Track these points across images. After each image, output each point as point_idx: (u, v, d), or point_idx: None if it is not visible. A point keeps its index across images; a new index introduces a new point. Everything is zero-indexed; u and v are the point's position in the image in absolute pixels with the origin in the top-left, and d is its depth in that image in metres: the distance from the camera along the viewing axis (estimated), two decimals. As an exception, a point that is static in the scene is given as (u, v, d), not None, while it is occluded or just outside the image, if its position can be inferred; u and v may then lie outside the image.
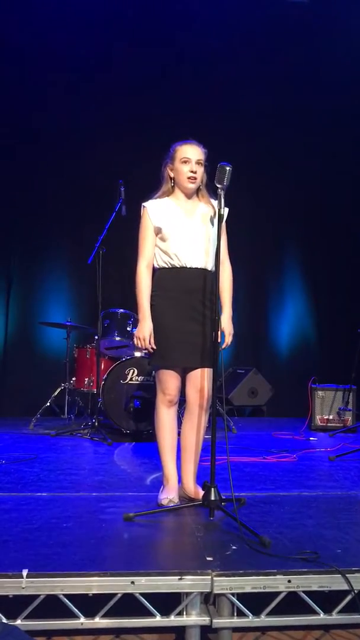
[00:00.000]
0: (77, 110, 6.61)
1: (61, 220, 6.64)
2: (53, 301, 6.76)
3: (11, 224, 6.70)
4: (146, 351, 2.99)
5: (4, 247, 6.75)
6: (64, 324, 5.64)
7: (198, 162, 2.90)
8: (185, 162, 2.89)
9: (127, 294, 6.15)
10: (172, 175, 2.96)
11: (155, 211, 2.92)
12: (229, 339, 2.95)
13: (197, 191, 2.98)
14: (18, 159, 6.61)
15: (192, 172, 2.88)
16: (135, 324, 5.26)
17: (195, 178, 2.90)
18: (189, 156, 2.89)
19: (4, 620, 1.94)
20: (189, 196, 2.97)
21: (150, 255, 2.95)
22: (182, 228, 2.90)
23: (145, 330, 2.87)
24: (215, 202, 2.81)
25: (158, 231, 2.92)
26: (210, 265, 2.93)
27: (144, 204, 2.97)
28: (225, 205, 2.83)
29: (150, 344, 2.87)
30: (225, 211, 2.97)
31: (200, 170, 2.91)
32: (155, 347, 2.88)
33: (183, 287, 2.89)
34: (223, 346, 2.88)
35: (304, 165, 7.02)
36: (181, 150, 2.91)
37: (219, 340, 2.76)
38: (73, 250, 6.54)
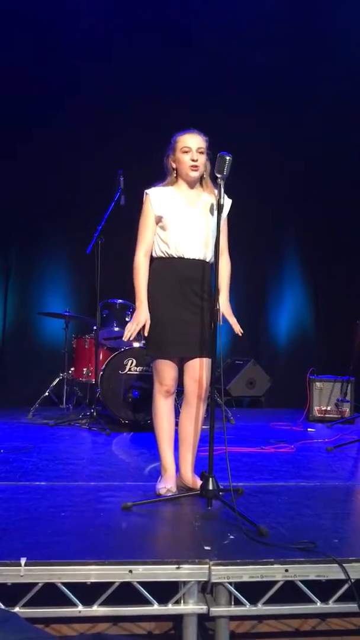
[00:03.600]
0: (77, 100, 6.57)
1: (60, 210, 6.61)
2: (52, 291, 6.75)
3: (9, 214, 6.67)
4: (143, 342, 2.99)
5: (2, 237, 6.74)
6: (63, 314, 5.63)
7: (199, 151, 2.88)
8: (186, 151, 2.87)
9: (125, 284, 6.10)
10: (174, 166, 2.94)
11: (157, 199, 2.90)
12: (232, 320, 2.96)
13: (201, 180, 2.96)
14: (17, 150, 6.58)
15: (193, 160, 2.86)
16: (133, 314, 5.25)
17: (197, 166, 2.87)
18: (190, 145, 2.87)
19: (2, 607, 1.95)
20: (192, 185, 2.94)
21: (150, 243, 2.93)
22: (183, 218, 2.88)
23: (141, 318, 2.86)
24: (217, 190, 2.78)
25: (159, 220, 2.90)
26: (209, 257, 2.92)
27: (146, 190, 2.94)
28: (228, 197, 2.84)
29: (142, 330, 2.86)
30: (228, 202, 2.96)
31: (202, 159, 2.89)
32: (145, 334, 2.88)
33: (180, 278, 2.88)
34: (236, 327, 2.94)
35: (304, 157, 7.00)
36: (181, 140, 2.89)
37: (218, 327, 2.76)
38: (71, 240, 6.51)
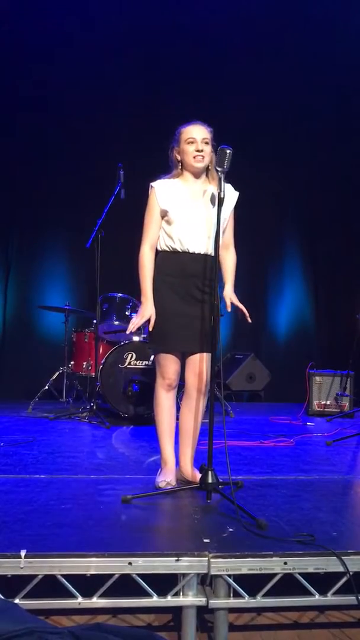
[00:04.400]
0: (77, 94, 6.55)
1: (60, 204, 6.61)
2: (52, 285, 6.75)
3: (10, 208, 6.67)
4: (147, 335, 2.99)
5: (2, 231, 6.74)
6: (63, 308, 5.64)
7: (204, 141, 2.86)
8: (191, 142, 2.85)
9: (125, 278, 6.15)
10: (179, 158, 2.92)
11: (163, 192, 2.89)
12: (241, 306, 2.95)
13: (207, 172, 2.96)
14: (17, 143, 6.57)
15: (198, 150, 2.85)
16: (133, 308, 5.26)
17: (202, 156, 2.86)
18: (194, 136, 2.86)
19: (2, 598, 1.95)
20: (197, 176, 2.93)
21: (155, 237, 2.92)
22: (188, 212, 2.87)
23: (146, 312, 2.85)
24: (225, 185, 2.77)
25: (164, 214, 2.89)
26: (212, 251, 2.90)
27: (152, 183, 2.93)
28: (234, 189, 2.85)
29: (147, 324, 2.85)
30: (235, 195, 2.95)
31: (207, 149, 2.87)
32: (151, 329, 2.87)
33: (184, 271, 2.87)
34: (242, 309, 2.93)
35: (305, 152, 6.99)
36: (186, 132, 2.88)
37: (219, 321, 2.76)
38: (72, 234, 6.51)
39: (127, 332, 2.86)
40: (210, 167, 2.94)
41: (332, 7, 6.63)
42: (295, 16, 6.67)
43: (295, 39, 6.72)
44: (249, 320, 2.96)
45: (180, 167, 2.94)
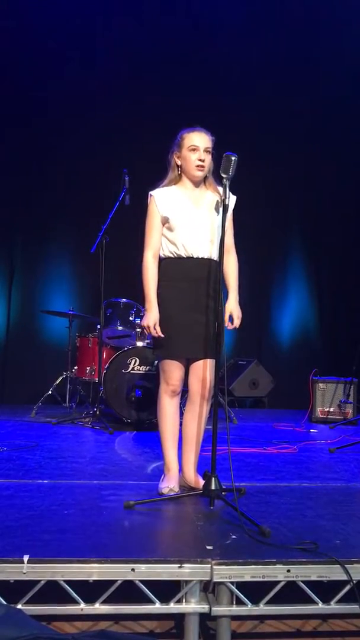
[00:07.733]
0: (82, 98, 6.58)
1: (64, 209, 6.63)
2: (55, 290, 6.76)
3: (14, 212, 6.69)
4: (150, 341, 2.99)
5: (6, 235, 6.76)
6: (67, 313, 5.64)
7: (206, 150, 2.86)
8: (193, 150, 2.85)
9: (129, 283, 6.14)
10: (179, 163, 2.92)
11: (162, 200, 2.89)
12: (237, 322, 2.95)
13: (204, 179, 2.96)
14: (21, 147, 6.59)
15: (200, 160, 2.85)
16: (137, 313, 5.26)
17: (203, 166, 2.86)
18: (197, 144, 2.85)
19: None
20: (196, 184, 2.94)
21: (157, 245, 2.93)
22: (189, 218, 2.87)
23: (150, 320, 2.85)
24: (222, 190, 2.78)
25: (165, 221, 2.89)
26: (215, 255, 2.90)
27: (150, 192, 2.94)
28: (232, 193, 2.84)
29: (157, 332, 2.86)
30: (233, 199, 2.95)
31: (208, 159, 2.88)
32: (162, 335, 2.87)
33: (189, 277, 2.88)
34: (230, 327, 2.91)
35: (310, 155, 6.99)
36: (189, 138, 2.87)
37: (223, 327, 2.76)
38: (76, 239, 6.53)
39: (145, 343, 2.87)
40: (207, 175, 2.94)
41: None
42: (299, 17, 6.71)
43: (298, 36, 6.74)
44: (230, 327, 2.93)
45: (177, 171, 2.94)
